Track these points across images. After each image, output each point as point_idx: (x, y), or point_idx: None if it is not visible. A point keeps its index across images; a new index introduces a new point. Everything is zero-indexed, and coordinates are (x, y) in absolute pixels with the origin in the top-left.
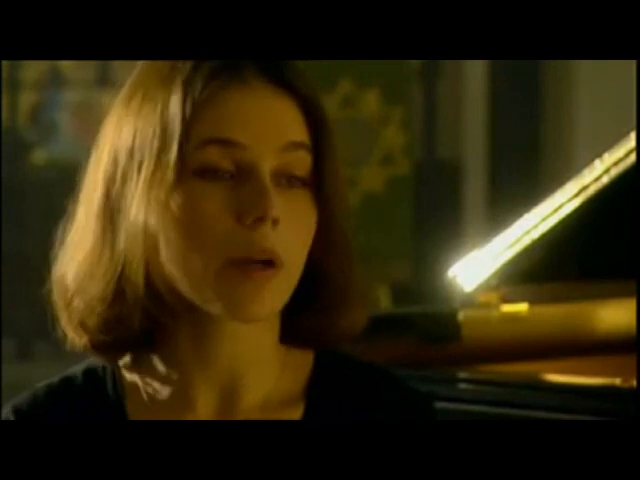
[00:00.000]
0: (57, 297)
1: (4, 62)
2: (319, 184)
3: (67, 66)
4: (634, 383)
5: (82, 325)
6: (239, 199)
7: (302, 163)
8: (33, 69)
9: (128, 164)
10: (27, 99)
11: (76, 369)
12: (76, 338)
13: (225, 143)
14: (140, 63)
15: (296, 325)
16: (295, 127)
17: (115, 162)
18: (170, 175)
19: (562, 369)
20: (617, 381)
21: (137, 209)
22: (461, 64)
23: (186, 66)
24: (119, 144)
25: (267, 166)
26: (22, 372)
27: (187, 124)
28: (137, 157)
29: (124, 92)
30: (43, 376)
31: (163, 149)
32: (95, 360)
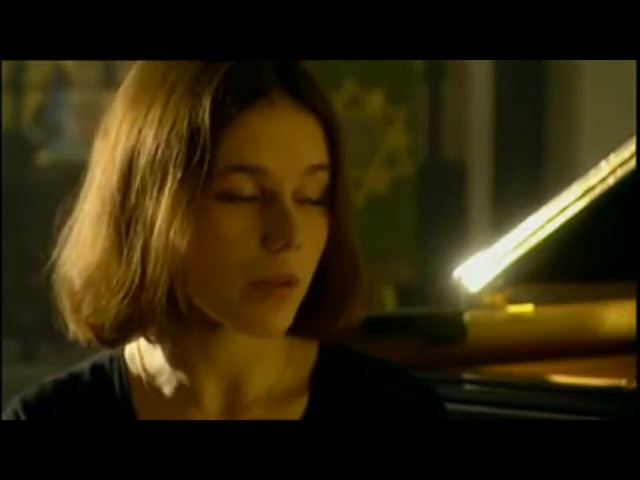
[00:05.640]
0: (64, 297)
1: (8, 63)
2: (333, 201)
3: (71, 67)
4: (635, 384)
5: (90, 325)
6: (264, 223)
7: (320, 183)
8: (37, 70)
9: (148, 175)
10: (31, 100)
11: (83, 365)
12: (81, 333)
13: (251, 170)
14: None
15: (298, 320)
16: (317, 149)
17: (131, 167)
18: (197, 197)
19: (567, 370)
20: (620, 382)
21: (162, 229)
22: (466, 64)
23: (213, 82)
24: (138, 149)
25: (289, 189)
26: (25, 373)
27: (216, 148)
28: (160, 171)
29: (131, 90)
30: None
31: (188, 169)
32: (101, 356)
